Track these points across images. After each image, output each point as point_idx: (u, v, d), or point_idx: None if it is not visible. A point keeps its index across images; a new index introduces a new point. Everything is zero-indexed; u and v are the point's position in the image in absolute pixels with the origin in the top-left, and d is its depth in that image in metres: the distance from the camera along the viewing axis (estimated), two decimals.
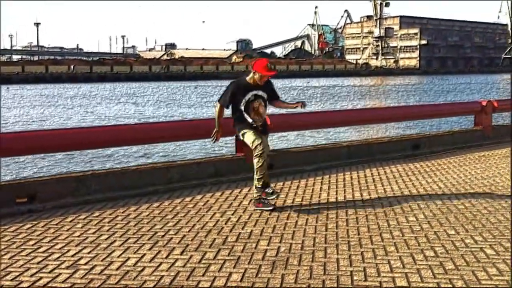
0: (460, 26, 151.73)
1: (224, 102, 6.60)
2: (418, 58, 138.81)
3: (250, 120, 6.54)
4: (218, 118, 6.67)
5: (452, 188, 7.70)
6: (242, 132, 6.62)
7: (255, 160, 6.48)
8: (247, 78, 6.59)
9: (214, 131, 6.74)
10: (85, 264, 4.83)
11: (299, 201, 7.03)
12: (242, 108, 6.53)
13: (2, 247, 5.27)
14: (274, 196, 6.51)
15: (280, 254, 5.03)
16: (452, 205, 6.74)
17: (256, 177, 6.53)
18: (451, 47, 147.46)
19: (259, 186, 6.52)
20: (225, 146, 13.46)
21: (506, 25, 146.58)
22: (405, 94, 53.52)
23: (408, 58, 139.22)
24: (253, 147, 6.49)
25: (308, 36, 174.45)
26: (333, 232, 5.68)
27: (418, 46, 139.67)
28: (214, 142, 7.03)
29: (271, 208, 6.51)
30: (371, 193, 7.46)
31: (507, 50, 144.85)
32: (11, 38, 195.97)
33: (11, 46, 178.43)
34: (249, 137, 6.55)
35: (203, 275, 4.56)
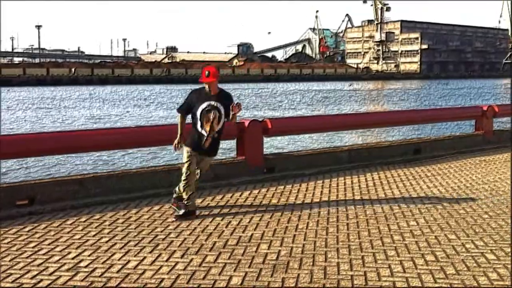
0: (461, 31, 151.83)
1: (181, 110, 6.54)
2: (419, 63, 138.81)
3: (201, 130, 6.36)
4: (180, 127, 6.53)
5: (453, 193, 7.70)
6: (185, 147, 6.46)
7: (181, 184, 6.48)
8: (206, 87, 6.45)
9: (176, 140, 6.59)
10: (86, 266, 4.82)
11: (299, 204, 7.03)
12: (198, 117, 6.37)
13: (3, 249, 5.27)
14: (180, 212, 6.39)
15: (281, 258, 5.03)
16: (453, 210, 6.73)
17: (180, 186, 6.51)
18: (452, 52, 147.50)
19: (178, 193, 6.57)
20: (226, 149, 13.46)
21: (507, 30, 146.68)
22: (406, 98, 53.52)
23: (409, 62, 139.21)
24: (184, 167, 6.44)
25: (309, 40, 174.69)
26: (334, 236, 5.68)
27: (419, 51, 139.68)
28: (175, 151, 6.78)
29: (180, 213, 6.39)
30: (371, 197, 7.46)
31: (508, 55, 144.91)
32: (12, 40, 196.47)
33: (13, 49, 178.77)
34: (184, 157, 6.43)
35: (203, 278, 4.56)
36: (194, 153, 6.42)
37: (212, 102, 6.36)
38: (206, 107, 6.34)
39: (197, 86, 6.60)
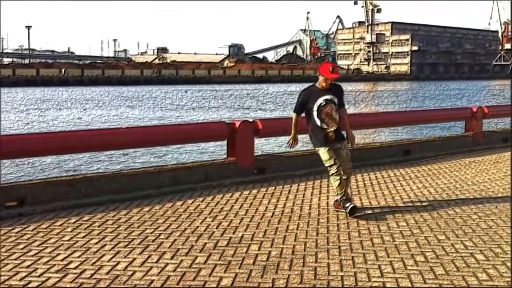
0: (451, 33, 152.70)
1: (296, 110, 6.69)
2: (409, 64, 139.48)
3: (324, 126, 6.50)
4: (294, 126, 6.74)
5: (442, 194, 7.74)
6: (316, 148, 6.68)
7: (331, 179, 6.63)
8: (317, 84, 6.61)
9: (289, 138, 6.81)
10: (75, 268, 4.80)
11: (290, 205, 7.03)
12: (315, 114, 6.52)
13: None
14: (347, 211, 6.48)
15: (271, 259, 5.03)
16: (442, 211, 6.76)
17: (336, 197, 6.68)
18: (442, 53, 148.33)
19: (338, 199, 6.64)
20: (216, 150, 13.46)
21: (497, 31, 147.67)
22: (396, 99, 53.74)
23: (400, 64, 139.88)
24: (327, 166, 6.59)
25: (300, 41, 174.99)
26: (324, 237, 5.69)
27: (409, 52, 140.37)
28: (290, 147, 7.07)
29: (348, 208, 6.50)
30: (362, 198, 7.47)
31: (498, 56, 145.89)
32: (1, 41, 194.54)
33: (2, 49, 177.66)
34: (323, 155, 6.60)
35: (193, 280, 4.55)
36: (328, 147, 6.52)
37: (326, 97, 6.49)
38: (322, 103, 6.47)
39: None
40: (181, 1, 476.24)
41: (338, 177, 6.54)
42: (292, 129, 6.76)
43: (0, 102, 42.22)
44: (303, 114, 6.68)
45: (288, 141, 6.84)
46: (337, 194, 6.63)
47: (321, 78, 6.54)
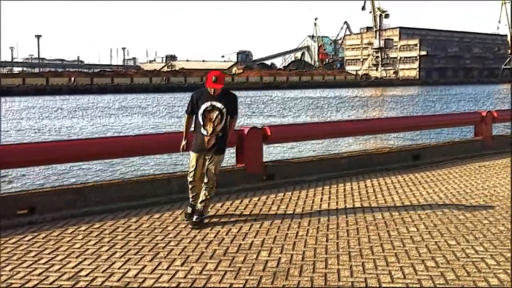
0: (460, 37, 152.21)
1: (188, 110, 6.59)
2: (417, 69, 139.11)
3: (204, 131, 6.41)
4: (185, 127, 6.63)
5: (452, 198, 7.70)
6: (191, 150, 6.57)
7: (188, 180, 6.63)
8: (208, 89, 6.49)
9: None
10: (86, 275, 4.82)
11: (299, 211, 7.03)
12: (200, 117, 6.44)
13: (3, 259, 5.27)
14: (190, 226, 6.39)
15: (281, 265, 5.03)
16: (453, 216, 6.74)
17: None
18: (451, 58, 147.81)
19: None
20: (225, 156, 13.46)
21: (506, 35, 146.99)
22: (405, 104, 53.59)
23: (408, 69, 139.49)
24: (188, 172, 6.60)
25: (308, 48, 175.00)
26: (334, 243, 5.68)
27: (417, 57, 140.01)
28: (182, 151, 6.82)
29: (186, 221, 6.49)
30: (371, 203, 7.46)
31: (507, 60, 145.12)
32: (12, 50, 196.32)
33: (12, 58, 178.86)
34: (190, 160, 6.55)
35: (204, 286, 4.56)
36: (198, 155, 6.47)
37: (214, 102, 6.40)
38: (207, 107, 6.39)
39: None
40: (189, 10, 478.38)
41: (194, 187, 6.55)
42: (183, 131, 6.65)
43: (0, 111, 42.36)
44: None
45: (181, 145, 6.66)
46: (190, 196, 6.60)
47: (208, 89, 6.44)
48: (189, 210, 6.62)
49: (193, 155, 6.53)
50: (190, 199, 6.67)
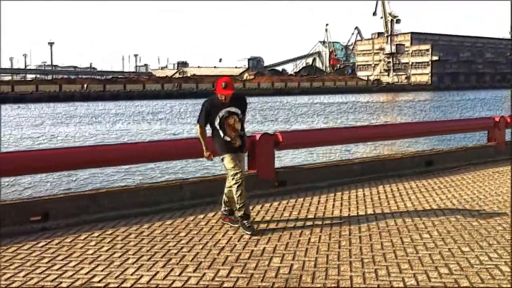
0: (472, 42, 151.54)
1: (200, 121, 6.51)
2: (429, 74, 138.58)
3: (227, 138, 6.43)
4: (202, 138, 6.55)
5: (466, 205, 7.65)
6: (222, 156, 6.52)
7: (234, 189, 6.43)
8: (218, 96, 6.47)
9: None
10: (99, 281, 4.84)
11: (311, 218, 7.01)
12: (218, 126, 6.45)
13: (16, 264, 5.30)
14: (249, 232, 6.30)
15: (293, 272, 5.01)
16: (466, 222, 6.69)
17: (224, 207, 6.66)
18: (463, 63, 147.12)
19: (238, 216, 6.48)
20: None
21: None
22: (417, 110, 53.35)
23: (420, 74, 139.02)
24: (231, 175, 6.45)
25: (319, 53, 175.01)
26: (346, 250, 5.65)
27: (429, 62, 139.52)
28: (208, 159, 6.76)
29: (246, 225, 6.37)
30: (384, 209, 7.42)
31: None
32: (25, 57, 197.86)
33: (25, 66, 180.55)
34: (227, 163, 6.47)
35: None
36: (232, 154, 6.45)
37: (228, 108, 6.42)
38: (224, 115, 6.40)
39: None
40: (200, 17, 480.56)
41: (242, 187, 6.40)
42: (201, 143, 6.55)
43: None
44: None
45: (205, 156, 6.60)
46: (237, 204, 6.41)
47: (218, 95, 6.41)
48: (248, 221, 6.40)
49: (230, 157, 6.44)
50: (240, 206, 6.39)
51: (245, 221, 6.39)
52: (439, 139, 22.91)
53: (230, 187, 6.50)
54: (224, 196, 6.73)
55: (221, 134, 6.44)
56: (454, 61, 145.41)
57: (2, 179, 14.19)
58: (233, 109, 6.44)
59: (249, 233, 6.26)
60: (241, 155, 6.63)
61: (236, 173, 6.40)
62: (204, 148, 6.57)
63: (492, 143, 12.05)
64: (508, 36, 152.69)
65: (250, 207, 7.53)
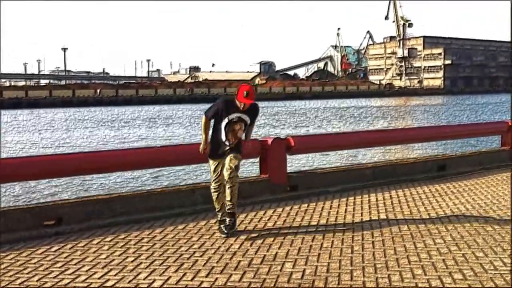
0: (485, 46, 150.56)
1: (208, 115, 6.51)
2: (442, 78, 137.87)
3: (226, 142, 6.42)
4: (205, 129, 6.56)
5: (480, 210, 7.59)
6: (209, 155, 6.54)
7: (212, 194, 6.55)
8: (238, 102, 6.43)
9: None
10: (112, 286, 4.86)
11: (324, 222, 7.00)
12: (222, 126, 6.42)
13: (30, 269, 5.34)
14: (224, 233, 6.41)
15: (306, 277, 5.00)
16: (480, 227, 6.63)
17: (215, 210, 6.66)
18: (476, 67, 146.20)
19: (217, 220, 6.63)
20: (249, 167, 13.49)
21: None
22: (430, 114, 53.08)
23: (433, 78, 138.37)
24: (212, 181, 6.53)
25: (331, 58, 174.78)
26: (359, 254, 5.63)
27: (442, 66, 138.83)
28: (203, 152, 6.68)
29: (224, 235, 6.42)
30: (397, 214, 7.39)
31: None
32: (39, 63, 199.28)
33: (39, 71, 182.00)
34: (211, 169, 6.52)
35: None
36: (218, 160, 6.47)
37: (241, 115, 6.42)
38: (233, 119, 6.40)
39: None
40: (211, 22, 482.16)
41: (216, 193, 6.48)
42: (202, 134, 6.59)
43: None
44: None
45: (200, 148, 6.59)
46: (216, 205, 6.53)
47: (237, 101, 6.37)
48: (227, 221, 6.49)
49: (214, 164, 6.50)
50: (219, 210, 6.56)
51: (222, 225, 6.52)
52: (451, 143, 22.78)
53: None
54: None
55: (222, 135, 6.42)
56: (467, 65, 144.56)
57: (16, 184, 14.32)
58: (243, 116, 6.44)
59: (223, 235, 6.37)
60: (227, 157, 6.46)
61: (215, 181, 6.48)
62: (203, 140, 6.56)
63: (506, 148, 11.96)
64: None
65: (262, 212, 7.54)
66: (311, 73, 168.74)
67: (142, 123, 45.98)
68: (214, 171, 6.51)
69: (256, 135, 6.96)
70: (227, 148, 6.46)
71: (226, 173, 6.40)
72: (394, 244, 5.97)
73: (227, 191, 6.46)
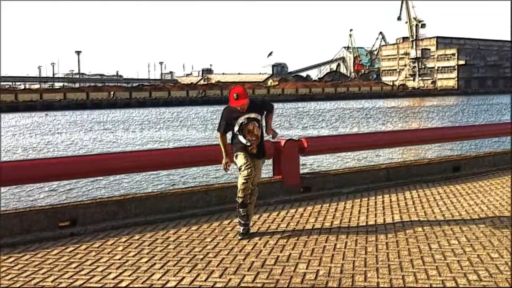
0: (499, 46, 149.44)
1: (220, 129, 6.52)
2: (456, 79, 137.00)
3: (248, 143, 6.41)
4: (223, 146, 6.54)
5: (494, 210, 7.53)
6: (235, 154, 6.48)
7: (239, 182, 6.36)
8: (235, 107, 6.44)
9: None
10: (126, 287, 4.88)
11: (337, 224, 6.98)
12: (237, 132, 6.43)
13: (45, 270, 5.38)
14: (241, 236, 6.41)
15: (319, 278, 4.99)
16: (495, 228, 6.58)
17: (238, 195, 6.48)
18: (490, 67, 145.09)
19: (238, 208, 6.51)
20: (262, 168, 13.48)
21: None
22: (444, 115, 52.74)
23: (446, 78, 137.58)
24: (241, 170, 6.37)
25: (343, 59, 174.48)
26: (373, 256, 5.61)
27: (456, 67, 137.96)
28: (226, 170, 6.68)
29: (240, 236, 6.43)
30: (411, 215, 7.35)
31: None
32: (53, 66, 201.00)
33: (53, 74, 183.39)
34: (239, 160, 6.42)
35: None
36: (247, 155, 6.42)
37: (247, 115, 6.41)
38: (243, 122, 6.40)
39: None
40: (224, 23, 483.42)
41: (248, 184, 6.32)
42: (221, 150, 6.51)
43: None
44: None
45: (223, 163, 6.52)
46: (240, 194, 6.37)
47: (234, 106, 6.37)
48: (241, 230, 6.47)
49: (243, 155, 6.39)
50: (242, 219, 6.48)
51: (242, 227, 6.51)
52: (466, 144, 22.62)
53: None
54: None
55: (241, 138, 6.42)
56: (481, 65, 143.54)
57: (31, 185, 14.44)
58: (252, 115, 6.43)
59: (240, 237, 6.37)
60: (258, 162, 6.54)
61: (246, 168, 6.31)
62: (223, 155, 6.52)
63: None
64: None
65: (276, 213, 7.54)
66: (324, 74, 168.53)
67: (160, 125, 46.17)
68: (245, 162, 6.34)
69: (269, 137, 6.93)
70: (252, 149, 6.42)
71: (256, 180, 6.50)
72: (408, 245, 5.94)
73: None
